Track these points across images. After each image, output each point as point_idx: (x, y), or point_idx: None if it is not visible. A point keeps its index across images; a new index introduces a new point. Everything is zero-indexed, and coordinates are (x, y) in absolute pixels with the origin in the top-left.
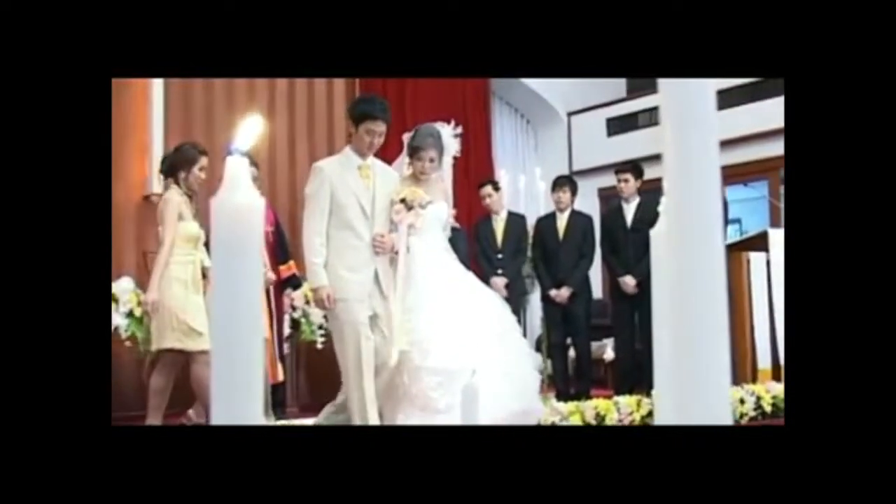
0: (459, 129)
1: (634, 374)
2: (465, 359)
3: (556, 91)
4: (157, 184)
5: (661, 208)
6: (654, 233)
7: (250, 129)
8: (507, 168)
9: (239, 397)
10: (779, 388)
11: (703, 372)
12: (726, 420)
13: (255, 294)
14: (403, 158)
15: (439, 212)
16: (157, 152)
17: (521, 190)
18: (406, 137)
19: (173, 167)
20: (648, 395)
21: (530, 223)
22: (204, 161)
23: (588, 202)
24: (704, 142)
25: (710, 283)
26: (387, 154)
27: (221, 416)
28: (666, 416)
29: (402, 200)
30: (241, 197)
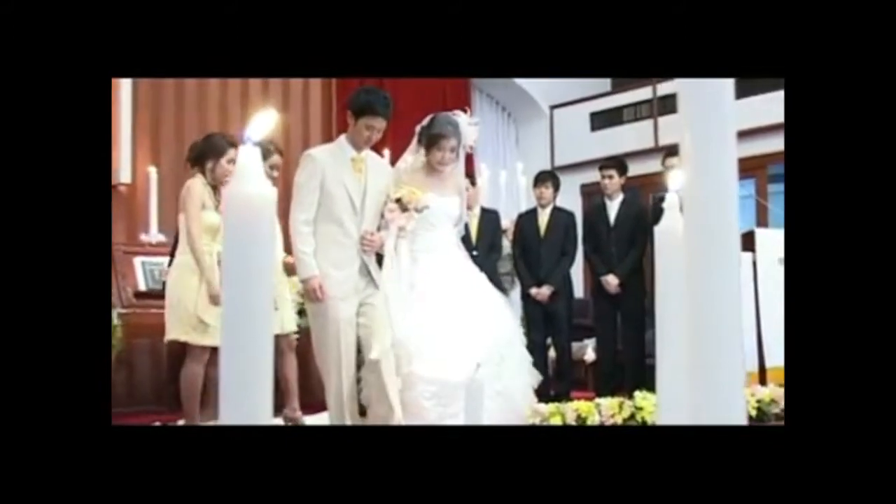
0: (477, 119)
1: (616, 375)
2: (461, 371)
3: (538, 84)
4: (123, 173)
5: (665, 205)
6: (660, 229)
7: (264, 120)
8: (487, 163)
9: (248, 391)
10: (763, 392)
11: (721, 368)
12: (741, 418)
13: (266, 285)
14: (414, 149)
15: (450, 207)
16: (125, 141)
17: (502, 185)
18: (419, 127)
19: (201, 156)
20: (630, 397)
21: (511, 219)
22: (233, 153)
23: (570, 198)
24: (723, 141)
25: (728, 279)
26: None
27: (230, 409)
28: (673, 414)
29: (398, 200)
30: (252, 188)
